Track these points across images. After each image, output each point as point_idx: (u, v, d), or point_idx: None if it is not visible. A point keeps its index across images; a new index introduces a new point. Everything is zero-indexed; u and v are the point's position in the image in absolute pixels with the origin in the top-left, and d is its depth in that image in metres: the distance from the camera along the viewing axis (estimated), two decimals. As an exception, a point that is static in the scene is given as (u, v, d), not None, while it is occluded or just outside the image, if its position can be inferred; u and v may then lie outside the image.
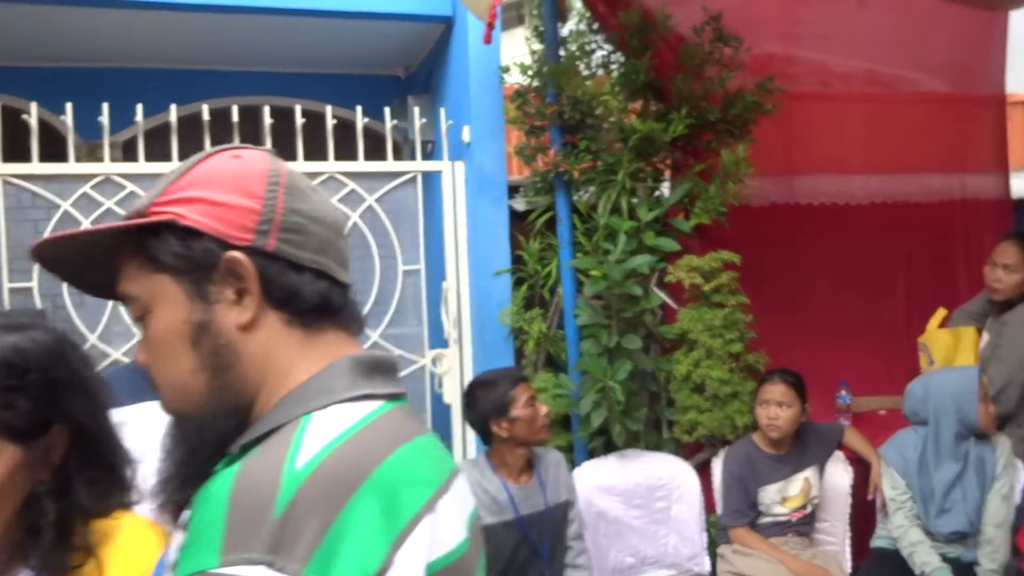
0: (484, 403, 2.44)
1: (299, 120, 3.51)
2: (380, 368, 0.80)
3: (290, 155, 3.62)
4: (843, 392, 3.56)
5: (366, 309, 3.70)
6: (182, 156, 3.46)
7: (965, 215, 4.09)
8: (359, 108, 3.66)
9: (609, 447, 3.23)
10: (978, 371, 2.84)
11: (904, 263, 4.05)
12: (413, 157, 4.38)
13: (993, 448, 2.83)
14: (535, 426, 2.46)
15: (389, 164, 3.81)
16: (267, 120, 3.49)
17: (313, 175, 3.57)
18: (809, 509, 2.96)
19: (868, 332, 3.88)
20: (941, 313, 3.44)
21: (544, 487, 2.51)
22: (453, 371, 3.79)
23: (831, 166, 4.15)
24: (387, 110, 3.81)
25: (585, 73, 3.71)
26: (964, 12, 4.06)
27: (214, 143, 3.57)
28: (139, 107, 3.32)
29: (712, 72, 3.45)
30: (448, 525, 0.74)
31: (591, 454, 3.31)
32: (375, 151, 3.89)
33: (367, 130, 3.77)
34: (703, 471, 3.18)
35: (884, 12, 4.08)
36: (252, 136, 3.75)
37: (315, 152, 3.59)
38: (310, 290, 0.79)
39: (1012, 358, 3.06)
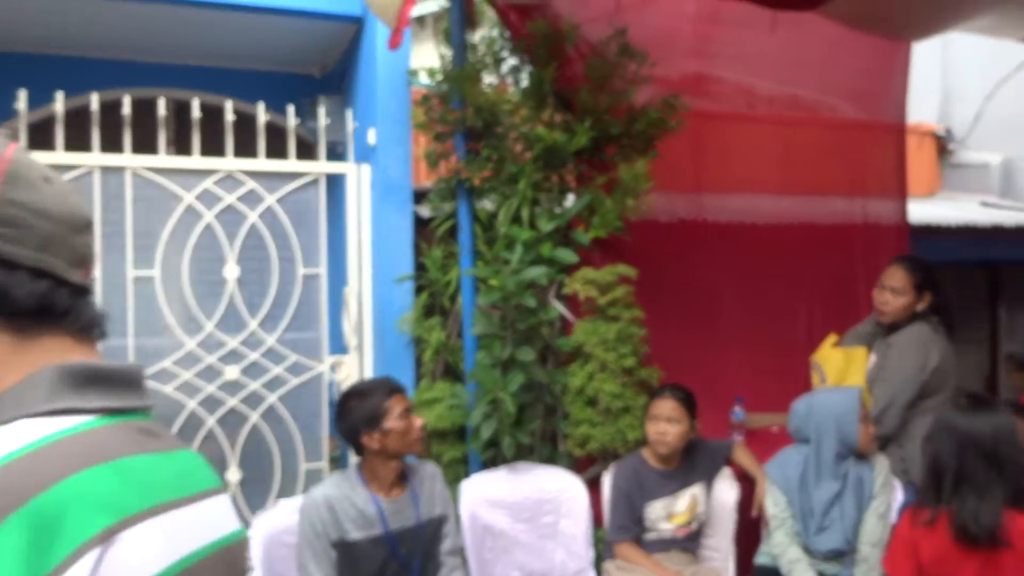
0: (356, 414, 2.36)
1: (196, 113, 3.39)
2: (100, 379, 0.72)
3: (188, 150, 3.50)
4: (737, 408, 3.59)
5: (263, 313, 3.60)
6: (68, 148, 3.31)
7: (865, 238, 4.19)
8: (261, 105, 3.56)
9: (506, 460, 3.19)
10: (859, 392, 2.89)
11: (806, 283, 4.12)
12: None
13: (872, 468, 2.87)
14: (408, 439, 2.39)
15: (291, 164, 3.71)
16: (162, 111, 3.37)
17: (210, 172, 3.46)
18: (695, 526, 2.96)
19: (767, 350, 3.92)
20: (834, 337, 3.51)
21: (417, 501, 2.44)
22: (352, 378, 3.70)
23: (739, 185, 4.21)
24: (290, 108, 3.72)
25: (495, 81, 3.68)
26: (870, 41, 4.17)
27: (106, 135, 3.46)
28: (22, 94, 3.16)
29: (619, 86, 3.46)
30: (144, 556, 0.66)
31: (486, 466, 3.26)
32: (289, 151, 3.80)
33: (282, 130, 3.67)
34: (594, 485, 3.16)
35: (794, 36, 4.16)
36: (151, 128, 3.59)
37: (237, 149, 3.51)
38: (23, 291, 0.71)
39: (895, 379, 3.12)
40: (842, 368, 3.42)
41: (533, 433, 3.18)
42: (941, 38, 6.96)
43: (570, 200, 3.64)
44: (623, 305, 3.16)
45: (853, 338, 3.47)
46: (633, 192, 3.29)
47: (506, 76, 3.64)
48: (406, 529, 2.39)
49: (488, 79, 3.67)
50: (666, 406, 2.89)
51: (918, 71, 6.04)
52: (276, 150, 3.63)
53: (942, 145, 7.11)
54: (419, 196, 3.84)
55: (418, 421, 2.42)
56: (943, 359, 3.13)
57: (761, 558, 2.96)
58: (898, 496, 2.95)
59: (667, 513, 2.91)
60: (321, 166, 3.75)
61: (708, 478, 3.02)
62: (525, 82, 3.57)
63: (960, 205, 6.25)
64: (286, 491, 3.54)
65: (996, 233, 5.46)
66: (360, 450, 2.40)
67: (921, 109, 7.03)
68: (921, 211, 5.45)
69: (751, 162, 4.17)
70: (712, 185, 4.16)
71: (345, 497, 2.34)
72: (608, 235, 3.33)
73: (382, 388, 2.40)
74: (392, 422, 2.35)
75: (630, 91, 3.40)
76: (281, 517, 2.55)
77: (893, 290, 3.19)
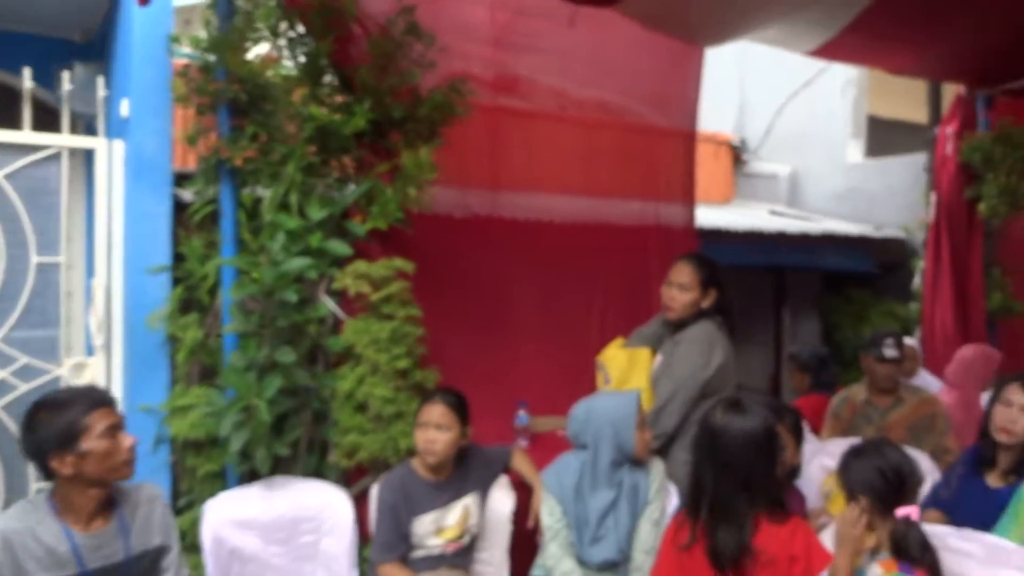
0: (45, 430, 1.94)
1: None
2: None
3: None
4: (521, 412, 3.46)
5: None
6: None
7: (657, 241, 4.20)
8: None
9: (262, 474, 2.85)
10: (638, 397, 2.81)
11: (599, 284, 4.07)
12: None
13: (648, 473, 2.80)
14: (112, 462, 2.00)
15: (25, 135, 3.20)
16: None
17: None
18: (466, 539, 2.77)
19: (558, 350, 3.83)
20: (621, 339, 3.45)
21: (127, 532, 2.06)
22: (98, 383, 3.22)
23: (536, 184, 4.09)
24: (27, 71, 3.20)
25: (274, 55, 3.33)
26: (666, 44, 4.19)
27: None
28: None
29: (405, 67, 3.22)
30: None
31: (243, 481, 2.92)
32: (24, 120, 3.26)
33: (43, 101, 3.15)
34: (364, 499, 2.90)
35: (593, 34, 4.11)
36: None
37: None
38: None
39: (679, 374, 3.07)
40: (626, 369, 3.36)
41: (295, 443, 2.87)
42: (739, 52, 7.30)
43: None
44: (398, 302, 2.92)
45: (638, 339, 3.42)
46: (416, 181, 3.05)
47: (282, 49, 3.30)
48: (111, 567, 2.00)
49: (266, 51, 3.32)
50: (435, 412, 2.68)
51: (717, 83, 6.28)
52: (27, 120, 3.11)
53: (737, 155, 7.45)
54: (183, 179, 3.42)
55: (127, 441, 2.03)
56: (727, 358, 3.13)
57: (536, 571, 2.80)
58: (673, 500, 2.90)
59: (436, 527, 2.70)
60: (62, 139, 3.26)
61: (483, 488, 2.84)
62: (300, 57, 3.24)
63: (751, 212, 6.55)
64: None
65: (781, 239, 5.73)
66: (49, 475, 1.99)
67: (719, 119, 7.34)
68: (715, 217, 5.63)
69: (547, 161, 4.07)
70: (509, 182, 4.01)
71: (29, 531, 1.92)
72: (389, 227, 3.08)
73: (83, 400, 1.99)
74: (92, 442, 1.96)
75: (414, 73, 3.16)
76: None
77: (680, 286, 3.17)
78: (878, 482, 2.25)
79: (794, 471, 2.95)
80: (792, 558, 2.10)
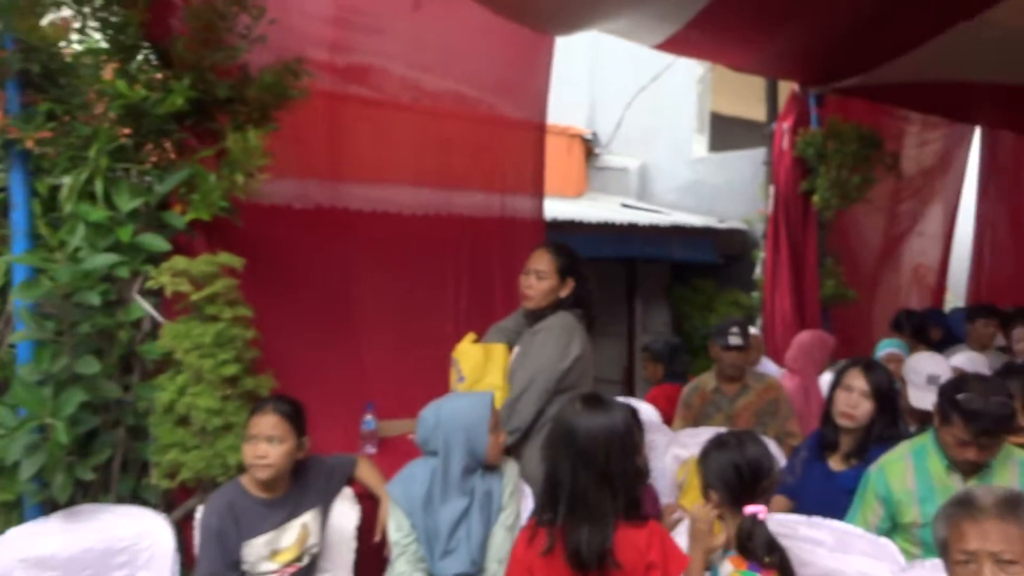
0: None
1: None
2: None
3: None
4: (368, 417, 3.23)
5: None
6: None
7: (506, 233, 4.08)
8: None
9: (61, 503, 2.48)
10: (491, 398, 2.66)
11: (448, 278, 3.89)
12: None
13: (501, 477, 2.66)
14: None
15: None
16: None
17: None
18: (306, 560, 2.52)
19: (407, 349, 3.63)
20: (473, 335, 3.30)
21: None
22: None
23: (382, 173, 3.85)
24: None
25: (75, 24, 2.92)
26: (514, 33, 4.07)
27: None
28: None
29: (231, 42, 2.91)
30: None
31: (44, 511, 2.53)
32: None
33: None
34: (189, 523, 2.59)
35: (439, 19, 3.93)
36: None
37: None
38: None
39: (535, 365, 2.95)
40: (481, 365, 3.21)
41: (106, 465, 2.53)
42: (591, 46, 7.35)
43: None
44: (224, 302, 2.62)
45: (496, 333, 3.28)
46: (243, 167, 2.76)
47: (87, 16, 2.90)
48: None
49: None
50: (265, 423, 2.41)
51: (569, 77, 6.27)
52: None
53: (589, 149, 7.50)
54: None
55: None
56: (585, 351, 3.02)
57: (385, 588, 2.61)
58: (528, 503, 2.77)
59: (271, 551, 2.44)
60: None
61: (323, 503, 2.60)
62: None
63: (603, 205, 6.59)
64: None
65: (632, 231, 5.78)
66: None
67: (572, 113, 7.36)
68: (568, 209, 5.61)
69: (394, 150, 3.84)
70: (354, 172, 3.75)
71: None
72: (213, 219, 2.76)
73: None
74: None
75: (240, 48, 2.86)
76: None
77: (538, 273, 3.06)
78: (732, 477, 2.21)
79: (646, 471, 2.88)
80: (649, 566, 2.00)
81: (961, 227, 7.14)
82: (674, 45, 4.71)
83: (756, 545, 2.06)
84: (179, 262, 2.58)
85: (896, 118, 6.23)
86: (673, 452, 3.48)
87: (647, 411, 3.97)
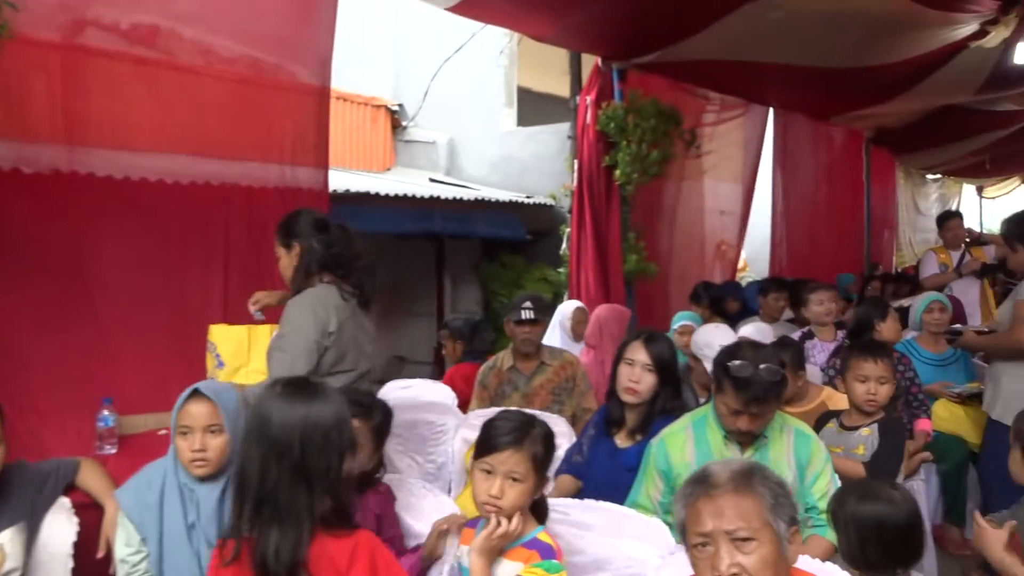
0: None
1: None
2: None
3: None
4: (105, 413, 2.80)
5: None
6: None
7: (285, 208, 3.68)
8: None
9: None
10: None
11: (215, 255, 3.48)
12: None
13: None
14: None
15: None
16: None
17: None
18: (2, 588, 2.10)
19: (160, 335, 3.20)
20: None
21: None
22: None
23: (131, 139, 3.34)
24: None
25: None
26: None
27: None
28: None
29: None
30: None
31: None
32: None
33: None
34: None
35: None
36: None
37: None
38: None
39: (281, 343, 2.64)
40: (243, 348, 2.91)
41: None
42: (394, 13, 7.01)
43: None
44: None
45: None
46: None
47: None
48: None
49: None
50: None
51: (372, 45, 5.92)
52: None
53: (396, 121, 7.19)
54: None
55: None
56: (342, 324, 2.71)
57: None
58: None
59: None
60: None
61: (30, 516, 2.17)
62: None
63: (410, 180, 6.32)
64: None
65: (436, 204, 5.55)
66: None
67: (376, 84, 7.01)
68: (374, 183, 5.29)
69: (144, 112, 3.35)
70: (94, 136, 3.23)
71: None
72: None
73: None
74: None
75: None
76: None
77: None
78: None
79: (371, 476, 2.54)
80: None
81: (763, 205, 7.46)
82: (470, 9, 4.50)
83: None
84: None
85: (696, 96, 6.37)
86: (463, 435, 3.29)
87: (442, 392, 3.77)
